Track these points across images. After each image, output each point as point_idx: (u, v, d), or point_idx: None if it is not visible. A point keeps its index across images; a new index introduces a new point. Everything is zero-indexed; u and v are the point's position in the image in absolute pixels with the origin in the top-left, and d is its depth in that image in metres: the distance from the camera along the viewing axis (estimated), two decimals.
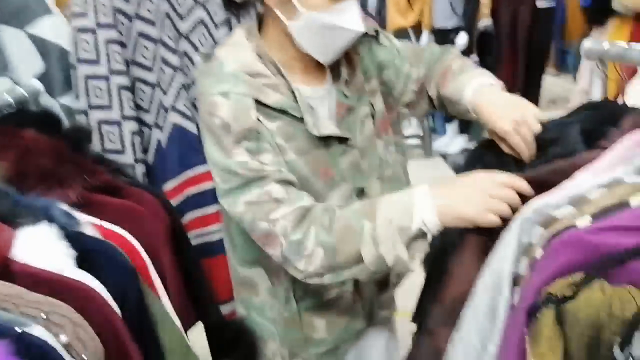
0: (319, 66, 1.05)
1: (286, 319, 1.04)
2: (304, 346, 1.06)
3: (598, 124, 0.92)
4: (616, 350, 0.68)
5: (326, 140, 1.02)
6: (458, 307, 0.85)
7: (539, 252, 0.77)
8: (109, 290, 0.75)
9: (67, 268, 0.71)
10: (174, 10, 1.33)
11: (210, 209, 1.37)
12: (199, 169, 1.36)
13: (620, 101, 1.01)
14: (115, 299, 0.76)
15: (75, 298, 0.67)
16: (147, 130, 1.36)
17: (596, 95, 1.22)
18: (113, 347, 0.68)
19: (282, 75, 1.01)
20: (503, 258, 0.81)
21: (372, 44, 1.15)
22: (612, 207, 0.75)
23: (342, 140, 1.05)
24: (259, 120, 0.96)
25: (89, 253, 0.76)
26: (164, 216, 0.96)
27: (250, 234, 0.97)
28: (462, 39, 4.56)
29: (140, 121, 1.34)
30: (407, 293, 1.18)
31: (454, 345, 0.84)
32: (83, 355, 0.63)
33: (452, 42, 4.60)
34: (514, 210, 0.84)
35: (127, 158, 1.29)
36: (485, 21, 4.83)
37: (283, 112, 0.99)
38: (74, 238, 0.76)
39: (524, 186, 0.85)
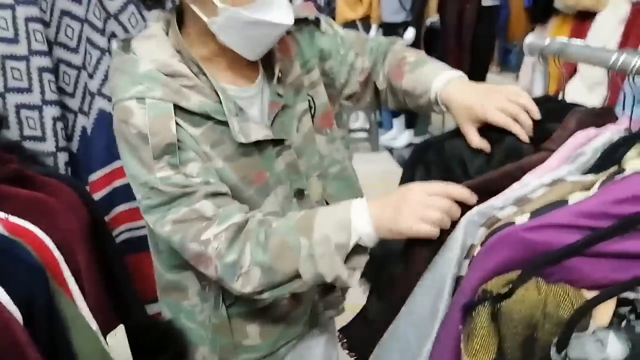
0: (247, 63, 0.96)
1: (215, 324, 0.97)
2: (235, 352, 1.00)
3: (542, 120, 0.91)
4: (552, 350, 0.66)
5: (258, 144, 0.94)
6: (395, 304, 0.82)
7: (477, 250, 0.75)
8: (13, 292, 0.67)
9: None
10: None
11: None
12: None
13: (560, 97, 1.01)
14: (19, 301, 0.68)
15: None
16: (71, 116, 1.27)
17: (537, 92, 1.22)
18: (11, 354, 0.61)
19: (205, 74, 0.91)
20: (447, 260, 0.78)
21: (313, 32, 1.07)
22: (551, 205, 0.74)
23: (277, 142, 0.97)
24: (180, 126, 0.87)
25: None
26: (81, 209, 0.88)
27: (180, 253, 0.89)
28: (409, 33, 4.61)
29: (64, 106, 1.24)
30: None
31: (390, 336, 0.81)
32: None
33: (400, 36, 4.62)
34: (453, 219, 0.82)
35: (48, 146, 1.19)
36: (432, 17, 4.90)
37: (207, 116, 0.90)
38: None
39: (460, 193, 0.82)
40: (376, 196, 0.88)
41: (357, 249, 0.86)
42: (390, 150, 4.84)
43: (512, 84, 4.17)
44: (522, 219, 0.73)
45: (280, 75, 0.99)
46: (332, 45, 1.09)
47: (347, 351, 0.98)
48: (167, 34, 0.93)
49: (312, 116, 1.04)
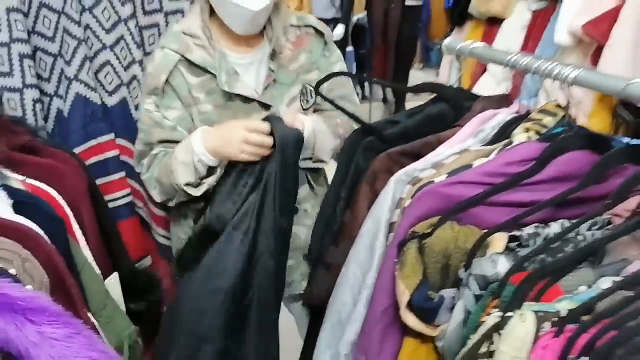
0: (248, 37, 1.22)
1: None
2: None
3: (457, 107, 1.17)
4: (461, 271, 0.90)
5: (248, 102, 1.20)
6: (348, 248, 1.05)
7: (407, 203, 0.98)
8: None
9: (8, 213, 0.79)
10: None
11: (114, 177, 1.43)
12: (103, 138, 1.42)
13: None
14: None
15: (19, 237, 0.75)
16: (46, 99, 1.39)
17: (453, 81, 1.47)
18: (55, 279, 0.77)
19: (211, 38, 1.19)
20: (381, 209, 1.02)
21: (322, 48, 1.32)
22: (460, 168, 0.98)
23: (266, 107, 1.22)
24: (182, 74, 1.18)
25: (20, 204, 0.84)
26: (82, 174, 1.03)
27: None
28: (339, 29, 4.83)
29: (41, 90, 1.36)
30: None
31: (342, 276, 1.03)
32: (30, 287, 0.72)
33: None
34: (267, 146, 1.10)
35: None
36: (360, 14, 5.17)
37: (205, 69, 1.18)
38: (8, 190, 0.83)
39: (261, 127, 1.10)
40: None
41: (210, 169, 1.16)
42: None
43: (433, 78, 4.52)
44: (440, 179, 0.97)
45: (275, 53, 1.23)
46: (321, 71, 1.30)
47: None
48: (200, 9, 1.22)
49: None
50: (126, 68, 1.45)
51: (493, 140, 1.03)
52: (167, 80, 1.18)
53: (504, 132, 1.02)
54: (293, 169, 1.14)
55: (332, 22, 4.93)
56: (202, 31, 1.19)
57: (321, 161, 1.29)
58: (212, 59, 1.19)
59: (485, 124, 1.06)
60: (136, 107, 1.47)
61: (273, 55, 1.24)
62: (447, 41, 1.25)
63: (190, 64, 1.18)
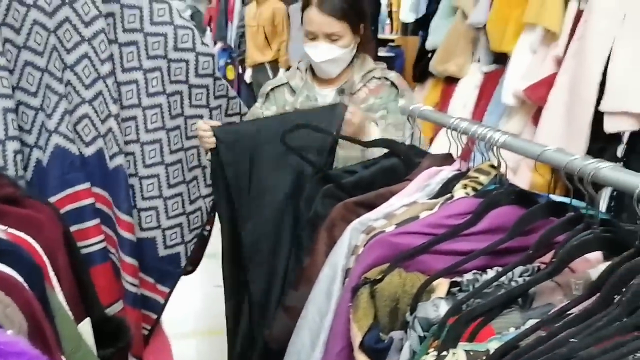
0: (328, 78, 1.68)
1: None
2: None
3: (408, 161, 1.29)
4: (407, 314, 1.00)
5: None
6: (307, 292, 1.14)
7: (361, 250, 1.08)
8: None
9: None
10: (62, 44, 1.47)
11: (89, 224, 1.50)
12: (79, 187, 1.49)
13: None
14: None
15: (1, 285, 0.82)
16: (27, 149, 1.47)
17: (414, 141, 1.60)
18: (32, 324, 0.84)
19: (304, 75, 1.71)
20: (338, 255, 1.11)
21: (395, 95, 1.65)
22: (408, 220, 1.09)
23: None
24: (284, 91, 1.71)
25: (3, 253, 0.91)
26: (58, 223, 1.11)
27: None
28: None
29: (21, 141, 1.44)
30: None
31: (301, 319, 1.12)
32: (10, 331, 0.79)
33: None
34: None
35: (9, 174, 1.39)
36: None
37: (296, 92, 1.70)
38: None
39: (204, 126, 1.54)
40: None
41: None
42: None
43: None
44: (390, 229, 1.08)
45: (343, 91, 1.65)
46: (391, 110, 1.65)
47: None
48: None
49: None
50: (103, 121, 1.54)
51: (438, 194, 1.15)
52: (272, 90, 1.74)
53: (447, 187, 1.14)
54: None
55: None
56: (303, 69, 1.71)
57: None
58: (302, 86, 1.70)
59: (431, 179, 1.18)
60: (111, 157, 1.56)
61: (341, 92, 1.66)
62: (401, 103, 1.38)
63: (290, 87, 1.70)
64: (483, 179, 1.10)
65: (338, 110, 1.48)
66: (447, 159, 1.24)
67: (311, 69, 1.70)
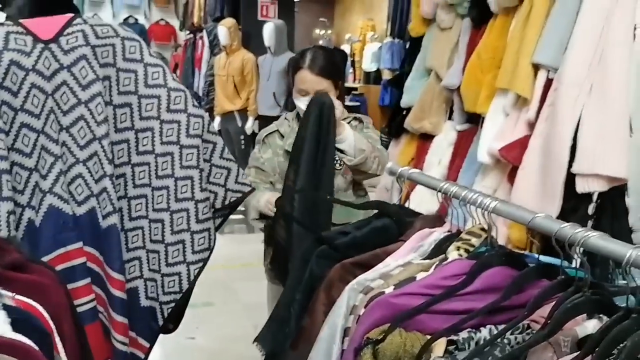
0: None
1: None
2: None
3: (400, 222, 1.36)
4: None
5: None
6: (306, 352, 1.17)
7: (361, 311, 1.13)
8: None
9: (9, 332, 0.87)
10: (58, 106, 1.50)
11: (80, 283, 1.49)
12: (71, 247, 1.49)
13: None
14: None
15: (21, 355, 0.84)
16: (18, 209, 1.46)
17: (395, 199, 1.69)
18: None
19: (291, 123, 2.08)
20: (337, 315, 1.16)
21: (362, 127, 2.05)
22: (405, 280, 1.15)
23: None
24: (276, 137, 2.09)
25: (15, 321, 0.92)
26: (61, 288, 1.12)
27: None
28: None
29: (14, 201, 1.45)
30: None
31: None
32: None
33: None
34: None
35: (1, 235, 1.38)
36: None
37: (285, 137, 2.07)
38: (6, 309, 0.92)
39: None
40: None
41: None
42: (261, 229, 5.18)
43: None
44: (389, 290, 1.13)
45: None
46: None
47: None
48: None
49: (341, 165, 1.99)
50: (97, 181, 1.56)
51: (431, 255, 1.22)
52: (266, 137, 2.10)
53: (440, 248, 1.21)
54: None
55: (276, 120, 5.22)
56: (290, 119, 2.07)
57: (362, 150, 1.89)
58: (291, 132, 2.02)
59: (424, 240, 1.25)
60: (104, 217, 1.57)
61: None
62: (389, 165, 1.45)
63: (280, 133, 2.08)
64: (474, 241, 1.17)
65: (325, 95, 1.87)
66: (437, 220, 1.32)
67: (297, 117, 2.03)
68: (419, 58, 2.38)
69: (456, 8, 2.14)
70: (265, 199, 1.97)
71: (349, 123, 2.01)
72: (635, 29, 1.53)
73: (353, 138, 1.89)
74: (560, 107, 1.54)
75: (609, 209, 1.57)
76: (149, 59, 1.64)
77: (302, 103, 1.94)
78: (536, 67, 1.70)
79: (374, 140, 2.01)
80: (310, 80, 1.94)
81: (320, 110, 1.83)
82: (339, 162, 1.95)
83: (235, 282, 3.95)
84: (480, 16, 2.02)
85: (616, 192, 1.55)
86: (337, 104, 1.88)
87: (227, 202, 1.75)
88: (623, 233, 1.57)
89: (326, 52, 2.06)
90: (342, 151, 1.92)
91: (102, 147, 1.55)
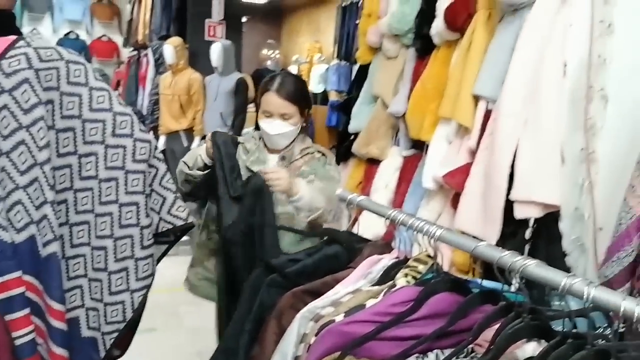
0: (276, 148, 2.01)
1: None
2: None
3: (350, 248, 1.38)
4: None
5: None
6: None
7: (312, 339, 1.14)
8: None
9: None
10: None
11: (19, 314, 1.43)
12: (10, 276, 1.43)
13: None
14: None
15: None
16: None
17: (345, 224, 1.71)
18: None
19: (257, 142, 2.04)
20: (287, 344, 1.16)
21: (324, 163, 2.00)
22: (356, 308, 1.17)
23: None
24: (241, 150, 2.00)
25: None
26: (2, 322, 1.08)
27: None
28: None
29: None
30: None
31: None
32: None
33: None
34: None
35: None
36: (249, 127, 5.52)
37: (249, 152, 2.00)
38: None
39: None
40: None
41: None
42: None
43: None
44: (339, 318, 1.15)
45: (284, 158, 1.98)
46: (319, 174, 1.98)
47: None
48: None
49: None
50: (37, 207, 1.50)
51: (379, 282, 1.24)
52: None
53: (388, 275, 1.24)
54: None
55: None
56: (258, 137, 2.04)
57: (317, 209, 1.86)
58: (255, 150, 2.00)
59: (373, 266, 1.28)
60: (44, 245, 1.51)
61: (282, 158, 1.98)
62: (339, 192, 1.48)
63: (245, 147, 2.01)
64: (421, 268, 1.21)
65: (259, 178, 1.81)
66: (386, 247, 1.35)
67: (261, 138, 2.07)
68: (366, 84, 2.45)
69: (401, 39, 2.22)
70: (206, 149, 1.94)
71: (312, 154, 2.01)
72: (565, 65, 1.64)
73: (309, 197, 1.87)
74: (498, 137, 1.62)
75: (544, 234, 1.65)
76: (94, 83, 1.61)
77: (265, 124, 1.97)
78: (476, 98, 1.79)
79: (333, 183, 1.98)
80: (275, 103, 1.96)
81: (254, 195, 1.81)
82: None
83: (180, 307, 3.86)
84: (424, 47, 2.11)
85: (550, 218, 1.64)
86: (282, 173, 1.84)
87: (159, 231, 1.72)
88: (557, 256, 1.65)
89: (296, 79, 2.08)
90: (298, 208, 1.89)
91: (44, 172, 1.50)
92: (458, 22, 1.90)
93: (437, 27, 2.02)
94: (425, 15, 2.09)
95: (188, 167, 1.97)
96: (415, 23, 2.15)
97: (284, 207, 1.89)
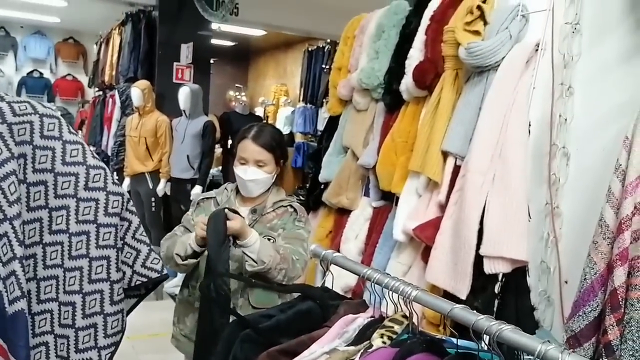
0: (249, 198, 2.04)
1: None
2: None
3: (324, 305, 1.39)
4: None
5: None
6: None
7: None
8: None
9: None
10: None
11: None
12: None
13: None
14: None
15: None
16: None
17: (319, 280, 1.72)
18: None
19: (229, 194, 2.09)
20: None
21: (294, 219, 2.00)
22: None
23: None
24: (211, 203, 2.08)
25: None
26: None
27: None
28: (197, 189, 5.06)
29: None
30: None
31: None
32: None
33: (187, 191, 5.11)
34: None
35: None
36: (214, 170, 5.50)
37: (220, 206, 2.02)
38: None
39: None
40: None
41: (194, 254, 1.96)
42: (173, 297, 5.01)
43: None
44: None
45: (256, 211, 2.01)
46: (288, 228, 2.01)
47: None
48: None
49: None
50: (5, 264, 1.46)
51: (355, 341, 1.25)
52: (202, 200, 2.12)
53: (364, 334, 1.25)
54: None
55: (189, 182, 5.17)
56: (230, 189, 2.08)
57: (262, 262, 1.84)
58: (227, 202, 2.03)
59: (348, 325, 1.29)
60: (10, 302, 1.47)
61: (254, 211, 2.01)
62: (313, 247, 1.49)
63: (216, 200, 2.07)
64: (397, 328, 1.22)
65: (222, 213, 1.85)
66: (361, 305, 1.36)
67: (236, 190, 2.10)
68: (336, 135, 2.50)
69: (371, 93, 2.29)
70: (196, 231, 1.92)
71: (285, 208, 2.02)
72: (529, 125, 1.73)
73: (258, 247, 1.86)
74: (467, 193, 1.67)
75: (513, 288, 1.70)
76: (68, 137, 1.61)
77: (240, 171, 2.01)
78: (445, 154, 1.85)
79: (296, 242, 1.97)
80: (251, 150, 1.99)
81: (214, 224, 1.83)
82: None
83: (142, 355, 3.74)
84: (393, 102, 2.18)
85: (519, 272, 1.69)
86: (239, 220, 1.85)
87: (132, 284, 1.70)
88: (526, 311, 1.70)
89: (273, 129, 2.13)
90: (245, 253, 1.89)
91: (13, 228, 1.47)
92: (426, 80, 1.98)
93: (406, 84, 2.09)
94: (395, 72, 2.17)
95: (181, 258, 1.94)
96: (385, 79, 2.23)
97: (235, 251, 1.90)
